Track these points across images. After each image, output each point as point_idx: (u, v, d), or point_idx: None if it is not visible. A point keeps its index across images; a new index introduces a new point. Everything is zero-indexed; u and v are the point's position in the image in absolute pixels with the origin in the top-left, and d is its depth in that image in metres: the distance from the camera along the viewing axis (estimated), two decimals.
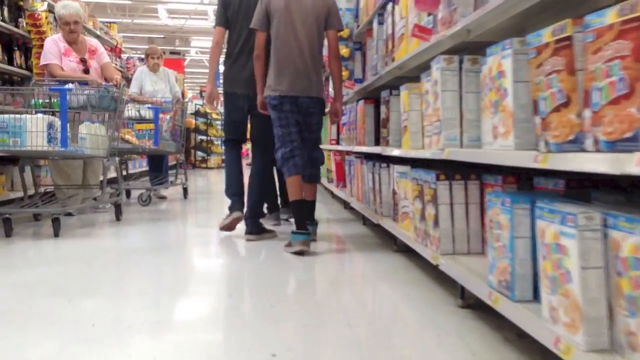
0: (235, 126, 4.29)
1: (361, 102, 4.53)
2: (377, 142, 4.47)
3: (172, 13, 19.83)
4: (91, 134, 4.33)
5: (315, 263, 3.37)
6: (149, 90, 6.49)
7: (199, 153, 13.77)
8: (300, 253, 3.46)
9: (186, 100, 13.84)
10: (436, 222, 2.51)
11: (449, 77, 2.41)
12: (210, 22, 20.61)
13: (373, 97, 4.49)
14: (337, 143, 6.83)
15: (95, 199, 5.30)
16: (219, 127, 14.84)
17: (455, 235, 2.47)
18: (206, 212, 6.27)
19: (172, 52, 19.71)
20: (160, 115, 5.75)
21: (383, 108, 3.76)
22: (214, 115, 13.83)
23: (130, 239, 4.27)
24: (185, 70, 25.22)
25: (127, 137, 5.53)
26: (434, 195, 2.53)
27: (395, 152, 3.27)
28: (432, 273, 2.90)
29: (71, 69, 4.92)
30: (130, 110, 5.78)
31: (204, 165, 13.94)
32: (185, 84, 18.31)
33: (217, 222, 4.31)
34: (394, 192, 3.44)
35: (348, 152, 5.82)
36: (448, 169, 2.55)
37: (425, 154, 2.68)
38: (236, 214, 4.12)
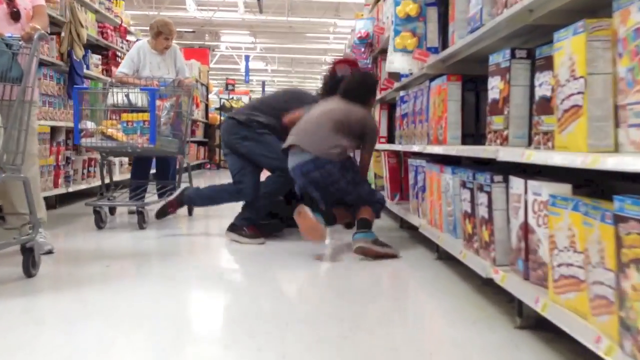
0: None
1: (440, 81, 2.99)
2: (467, 139, 2.94)
3: (200, 5, 18.53)
4: None
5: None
6: (148, 76, 4.79)
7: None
8: None
9: (204, 91, 12.27)
10: None
11: None
12: (240, 14, 19.27)
13: (461, 72, 2.94)
14: (390, 141, 5.28)
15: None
16: None
17: None
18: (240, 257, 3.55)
19: (200, 47, 18.29)
20: (158, 103, 4.13)
21: (496, 82, 2.21)
22: None
23: None
24: (213, 65, 23.94)
25: (111, 131, 4.02)
26: None
27: (552, 158, 1.69)
28: None
29: None
30: (116, 95, 4.28)
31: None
32: (210, 77, 16.95)
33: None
34: (527, 230, 1.89)
35: (407, 154, 4.27)
36: None
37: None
38: None
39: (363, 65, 5.48)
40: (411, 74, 3.73)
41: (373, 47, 5.42)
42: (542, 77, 1.94)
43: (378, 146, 5.17)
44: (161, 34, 4.93)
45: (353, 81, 3.49)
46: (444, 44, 3.35)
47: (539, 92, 1.95)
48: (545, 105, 1.90)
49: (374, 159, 5.31)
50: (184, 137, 4.68)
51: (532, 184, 1.85)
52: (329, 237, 3.64)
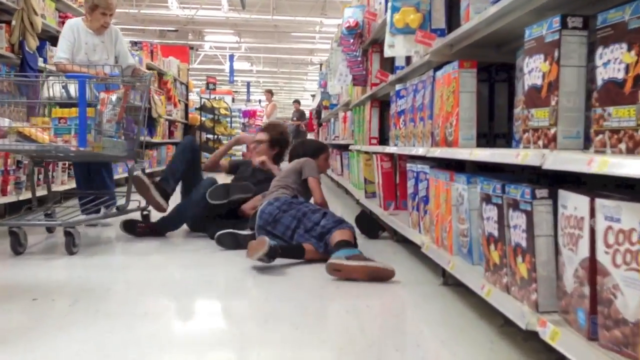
0: None
1: (449, 69, 2.41)
2: (480, 140, 2.39)
3: (182, 2, 17.85)
4: None
5: None
6: (83, 60, 3.99)
7: (205, 154, 11.61)
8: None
9: (184, 90, 11.53)
10: None
11: None
12: (224, 12, 18.61)
13: (471, 59, 2.36)
14: (381, 143, 4.70)
15: None
16: (229, 124, 12.75)
17: None
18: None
19: (191, 48, 17.53)
20: (101, 95, 3.35)
21: (537, 63, 1.62)
22: (223, 111, 11.71)
23: None
24: (197, 65, 23.24)
25: (30, 130, 3.16)
26: None
27: None
28: None
29: None
30: (52, 87, 3.45)
31: None
32: (193, 78, 16.28)
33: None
34: (594, 269, 1.31)
35: (403, 158, 3.69)
36: None
37: None
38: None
39: (352, 57, 4.89)
40: (412, 58, 3.15)
41: (363, 37, 4.84)
42: (609, 54, 1.36)
43: (369, 148, 4.61)
44: (97, 8, 4.12)
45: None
46: (450, 26, 2.78)
47: (604, 75, 1.37)
48: (615, 92, 1.33)
49: (363, 162, 4.73)
50: (137, 138, 3.86)
51: (604, 204, 1.27)
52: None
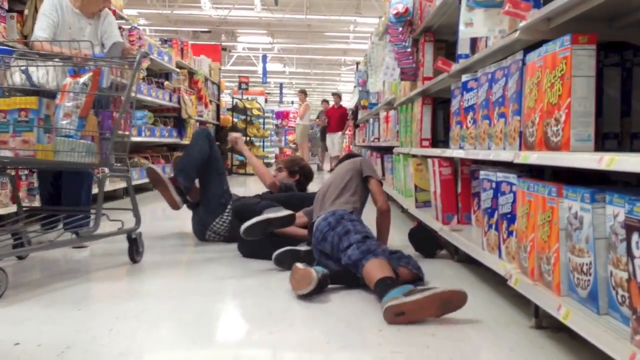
0: None
1: (555, 46, 1.79)
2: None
3: (215, 3, 17.45)
4: None
5: None
6: (64, 46, 2.97)
7: (237, 156, 11.10)
8: None
9: (216, 90, 10.81)
10: None
11: None
12: (256, 12, 18.15)
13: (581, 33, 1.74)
14: (433, 145, 4.09)
15: None
16: (261, 124, 12.24)
17: None
18: None
19: (224, 49, 17.02)
20: (67, 80, 2.59)
21: None
22: (255, 112, 11.19)
23: None
24: (230, 67, 22.86)
25: None
26: None
27: None
28: None
29: None
30: (15, 74, 2.70)
31: (242, 170, 11.22)
32: (226, 79, 15.86)
33: None
34: None
35: (466, 163, 3.09)
36: None
37: None
38: None
39: (400, 49, 4.29)
40: (479, 44, 2.54)
41: (414, 25, 4.23)
42: None
43: (421, 151, 4.00)
44: None
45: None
46: None
47: None
48: None
49: (413, 167, 4.13)
50: (112, 138, 2.74)
51: None
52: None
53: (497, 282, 2.50)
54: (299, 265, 2.40)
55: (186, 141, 8.49)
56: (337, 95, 13.29)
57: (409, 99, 4.60)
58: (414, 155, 4.21)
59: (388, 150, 6.17)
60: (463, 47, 3.15)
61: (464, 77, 2.80)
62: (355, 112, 11.42)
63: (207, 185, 3.69)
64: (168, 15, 18.02)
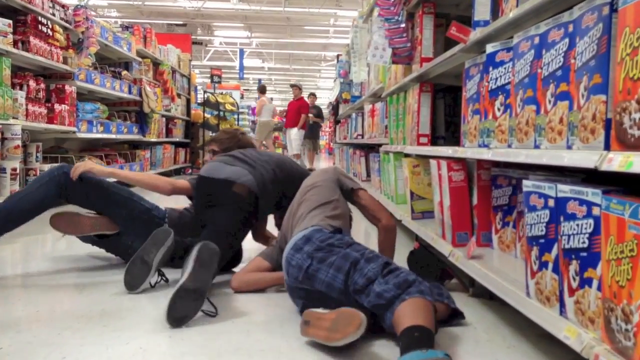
0: None
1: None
2: None
3: None
4: None
5: None
6: None
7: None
8: None
9: (185, 83, 9.58)
10: None
11: None
12: (233, 4, 17.19)
13: None
14: (432, 143, 3.29)
15: None
16: (236, 121, 11.34)
17: None
18: None
19: (194, 42, 15.88)
20: None
21: None
22: (229, 107, 10.28)
23: None
24: (206, 62, 21.89)
25: None
26: None
27: None
28: None
29: None
30: None
31: None
32: (200, 74, 14.90)
33: None
34: None
35: (484, 166, 2.28)
36: None
37: None
38: None
39: (392, 24, 3.46)
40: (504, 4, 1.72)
41: None
42: None
43: (419, 150, 3.19)
44: None
45: None
46: None
47: None
48: None
49: (409, 169, 3.30)
50: None
51: None
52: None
53: (539, 334, 1.70)
54: (319, 310, 1.73)
55: (149, 138, 7.58)
56: (296, 87, 11.29)
57: (401, 88, 3.79)
58: (407, 155, 3.40)
59: (374, 148, 5.36)
60: (481, 12, 2.34)
61: (490, 48, 1.98)
62: (335, 106, 10.57)
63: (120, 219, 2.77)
64: (140, 7, 17.00)
